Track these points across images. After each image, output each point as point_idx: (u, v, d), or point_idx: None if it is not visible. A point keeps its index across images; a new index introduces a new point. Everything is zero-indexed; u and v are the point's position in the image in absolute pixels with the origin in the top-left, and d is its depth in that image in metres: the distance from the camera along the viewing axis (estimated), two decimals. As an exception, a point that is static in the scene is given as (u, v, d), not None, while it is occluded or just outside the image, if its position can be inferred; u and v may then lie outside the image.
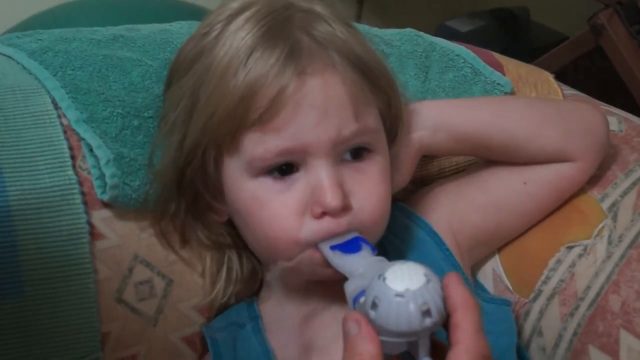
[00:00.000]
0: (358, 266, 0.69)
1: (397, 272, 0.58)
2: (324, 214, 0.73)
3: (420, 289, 0.57)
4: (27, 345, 0.73)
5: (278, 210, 0.74)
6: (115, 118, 0.82)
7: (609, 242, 0.85)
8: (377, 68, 0.79)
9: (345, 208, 0.73)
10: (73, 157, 0.79)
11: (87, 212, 0.78)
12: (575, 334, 0.84)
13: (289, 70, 0.72)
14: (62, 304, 0.75)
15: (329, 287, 0.80)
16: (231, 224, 0.83)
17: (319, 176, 0.73)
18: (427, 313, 0.57)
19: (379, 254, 0.72)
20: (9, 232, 0.73)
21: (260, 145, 0.73)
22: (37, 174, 0.76)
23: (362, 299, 0.61)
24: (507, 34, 1.93)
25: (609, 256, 0.84)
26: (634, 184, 0.87)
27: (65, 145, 0.79)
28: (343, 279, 0.69)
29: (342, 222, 0.73)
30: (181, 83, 0.78)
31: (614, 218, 0.86)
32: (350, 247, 0.73)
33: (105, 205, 0.79)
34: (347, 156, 0.75)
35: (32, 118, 0.79)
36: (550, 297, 0.86)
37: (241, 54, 0.73)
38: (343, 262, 0.71)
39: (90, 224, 0.78)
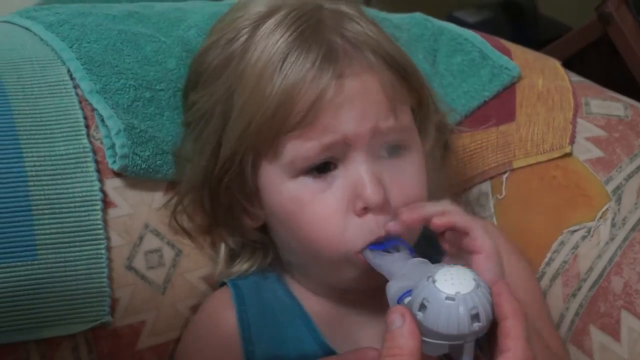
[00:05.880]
0: (399, 266, 0.68)
1: (447, 275, 0.59)
2: (365, 209, 0.72)
3: (471, 293, 0.58)
4: (39, 308, 0.74)
5: (320, 211, 0.73)
6: (127, 90, 0.83)
7: (613, 225, 0.86)
8: (409, 66, 0.79)
9: (385, 204, 0.72)
10: (87, 127, 0.80)
11: (100, 180, 0.79)
12: (577, 314, 0.85)
13: (326, 73, 0.72)
14: (73, 269, 0.76)
15: (359, 296, 0.79)
16: (262, 229, 0.82)
17: (359, 171, 0.73)
18: (475, 317, 0.58)
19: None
20: (24, 196, 0.75)
21: (302, 146, 0.73)
22: (52, 142, 0.78)
23: (407, 300, 0.62)
24: (514, 25, 1.93)
25: (612, 238, 0.85)
26: (638, 167, 0.88)
27: (80, 115, 0.80)
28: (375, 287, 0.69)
29: (384, 221, 0.72)
30: (210, 90, 0.78)
31: (618, 201, 0.87)
32: (389, 247, 0.73)
33: (118, 174, 0.81)
34: (384, 153, 0.75)
35: (48, 87, 0.80)
36: (553, 278, 0.87)
37: (275, 58, 0.73)
38: (383, 262, 0.71)
39: (103, 191, 0.79)
